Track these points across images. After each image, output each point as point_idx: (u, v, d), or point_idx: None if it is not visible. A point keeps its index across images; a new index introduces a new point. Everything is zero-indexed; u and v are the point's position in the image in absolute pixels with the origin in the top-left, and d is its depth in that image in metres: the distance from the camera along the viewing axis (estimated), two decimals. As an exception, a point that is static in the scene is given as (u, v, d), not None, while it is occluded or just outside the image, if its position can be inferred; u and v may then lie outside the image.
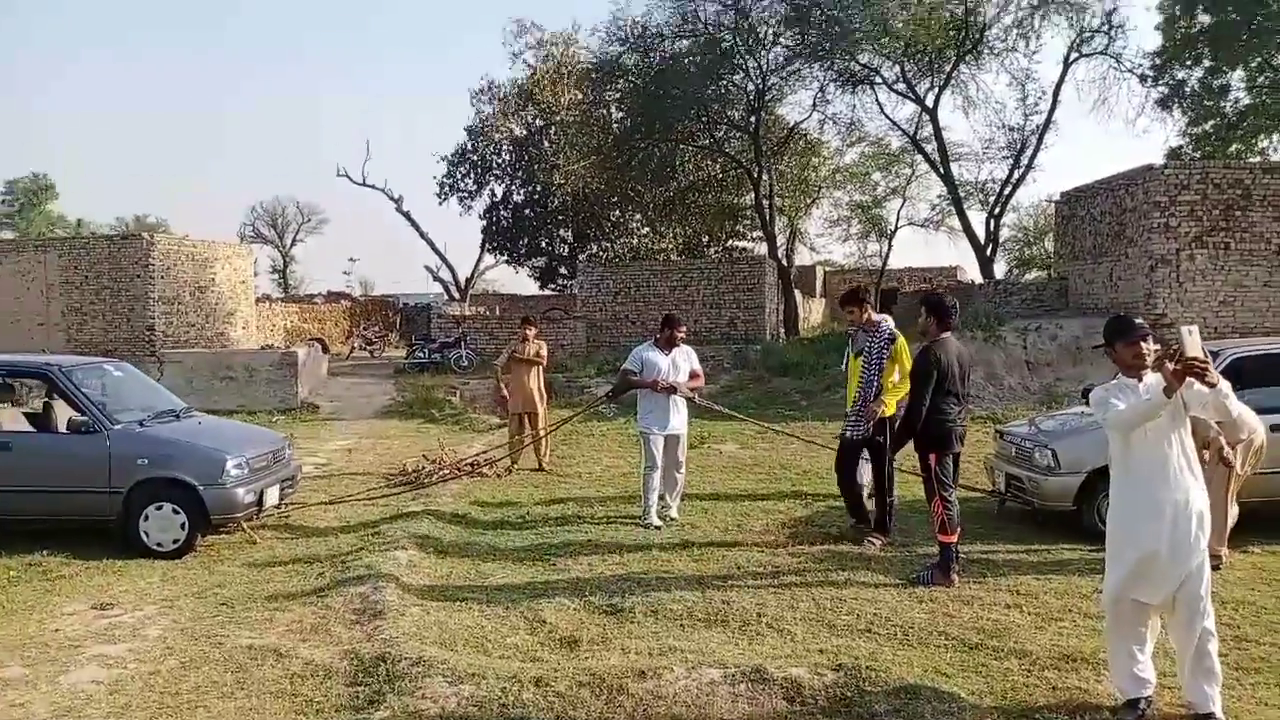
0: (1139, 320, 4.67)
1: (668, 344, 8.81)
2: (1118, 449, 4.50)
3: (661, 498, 8.74)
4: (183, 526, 7.84)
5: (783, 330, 27.29)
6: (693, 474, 10.58)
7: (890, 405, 7.54)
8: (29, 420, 8.84)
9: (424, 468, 10.98)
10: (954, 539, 6.65)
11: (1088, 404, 5.06)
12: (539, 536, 8.20)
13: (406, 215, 39.05)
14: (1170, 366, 4.15)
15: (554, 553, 7.61)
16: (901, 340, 7.78)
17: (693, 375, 8.93)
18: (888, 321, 7.89)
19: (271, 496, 8.44)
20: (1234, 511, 6.94)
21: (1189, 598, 4.34)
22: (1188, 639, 4.36)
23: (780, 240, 30.72)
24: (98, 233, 46.16)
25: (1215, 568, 5.73)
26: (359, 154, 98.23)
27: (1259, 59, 25.49)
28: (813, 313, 37.52)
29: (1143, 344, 4.50)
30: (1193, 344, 4.12)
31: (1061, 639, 5.45)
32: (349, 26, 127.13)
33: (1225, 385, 4.26)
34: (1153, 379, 4.36)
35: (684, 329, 9.05)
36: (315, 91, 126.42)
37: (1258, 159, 24.55)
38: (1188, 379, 4.14)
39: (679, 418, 8.76)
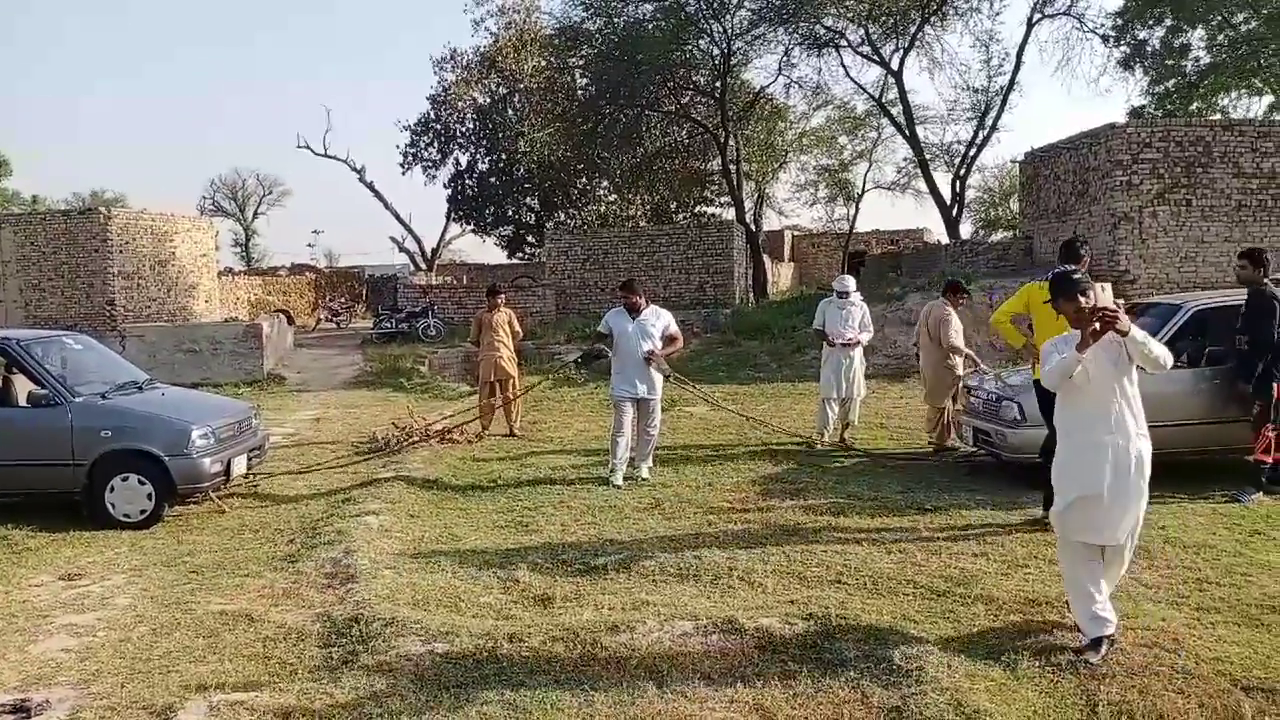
0: (1079, 275, 4.77)
1: (631, 309, 8.79)
2: (1063, 394, 4.67)
3: (632, 461, 8.76)
4: (149, 497, 7.76)
5: (752, 294, 27.33)
6: (664, 436, 10.59)
7: None
8: (-12, 395, 8.65)
9: (394, 435, 10.92)
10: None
11: None
12: (510, 499, 8.21)
13: (370, 186, 38.59)
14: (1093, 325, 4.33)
15: (526, 514, 7.61)
16: None
17: (670, 339, 8.90)
18: None
19: (239, 466, 8.37)
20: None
21: (1120, 554, 4.66)
22: (1113, 578, 4.77)
23: (748, 205, 30.72)
24: (54, 209, 45.07)
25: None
26: (319, 124, 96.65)
27: (1218, 18, 25.64)
28: (781, 277, 37.57)
29: (1081, 298, 4.60)
30: (1103, 298, 4.28)
31: (1027, 585, 5.55)
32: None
33: (1140, 333, 4.39)
34: None
35: (637, 293, 8.87)
36: (275, 62, 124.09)
37: (1218, 117, 24.75)
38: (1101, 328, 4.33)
39: (648, 384, 8.74)
